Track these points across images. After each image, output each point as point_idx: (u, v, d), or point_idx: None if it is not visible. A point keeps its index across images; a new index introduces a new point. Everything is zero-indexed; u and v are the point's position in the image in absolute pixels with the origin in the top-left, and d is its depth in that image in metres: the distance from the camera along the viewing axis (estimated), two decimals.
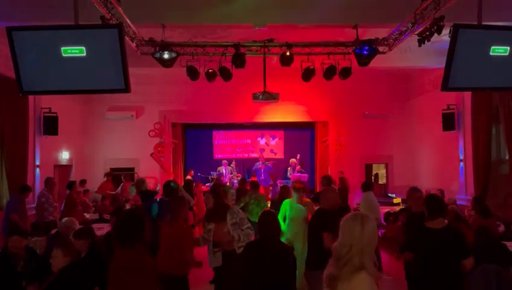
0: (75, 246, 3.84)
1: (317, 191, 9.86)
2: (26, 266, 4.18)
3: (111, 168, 12.23)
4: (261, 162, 13.38)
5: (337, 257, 2.21)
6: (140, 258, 3.12)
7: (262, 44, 7.48)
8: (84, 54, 4.15)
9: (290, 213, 6.06)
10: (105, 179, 11.06)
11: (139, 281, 3.06)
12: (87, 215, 8.88)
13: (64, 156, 11.08)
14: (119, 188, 10.68)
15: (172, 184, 6.36)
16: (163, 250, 4.32)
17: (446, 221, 4.03)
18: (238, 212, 4.91)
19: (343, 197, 9.63)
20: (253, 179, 10.52)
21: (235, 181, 13.13)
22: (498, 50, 4.43)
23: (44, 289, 3.48)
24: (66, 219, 5.73)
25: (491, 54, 4.43)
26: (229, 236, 4.68)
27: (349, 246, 2.17)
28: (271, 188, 12.99)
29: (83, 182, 10.30)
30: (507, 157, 8.34)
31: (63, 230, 5.23)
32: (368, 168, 13.20)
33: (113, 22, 5.22)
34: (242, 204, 7.28)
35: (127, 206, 8.71)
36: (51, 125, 9.70)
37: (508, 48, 4.45)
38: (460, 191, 9.67)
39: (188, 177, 12.11)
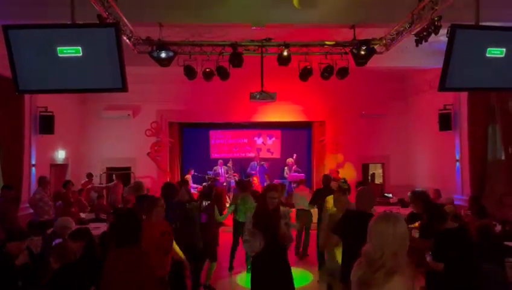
0: (71, 247, 3.81)
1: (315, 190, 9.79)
2: (23, 265, 4.15)
3: (107, 168, 12.20)
4: (256, 162, 13.38)
5: (370, 261, 2.11)
6: (143, 257, 3.10)
7: (260, 43, 7.47)
8: (80, 54, 4.14)
9: None
10: (87, 179, 10.99)
11: (140, 280, 3.03)
12: (83, 215, 8.84)
13: (60, 155, 11.04)
14: (112, 183, 10.65)
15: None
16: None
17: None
18: (289, 212, 4.69)
19: None
20: (254, 178, 10.54)
21: (232, 181, 13.12)
22: (494, 52, 4.45)
23: (42, 289, 3.47)
24: (61, 218, 5.71)
25: (487, 55, 4.45)
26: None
27: (382, 249, 2.08)
28: None
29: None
30: (503, 157, 8.37)
31: (58, 230, 5.21)
32: (365, 167, 13.22)
33: (110, 21, 5.20)
34: (233, 206, 7.30)
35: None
36: (47, 124, 9.66)
37: (504, 49, 4.47)
38: (457, 191, 9.70)
39: (187, 176, 12.11)
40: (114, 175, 11.22)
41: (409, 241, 2.17)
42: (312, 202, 7.64)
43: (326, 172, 12.50)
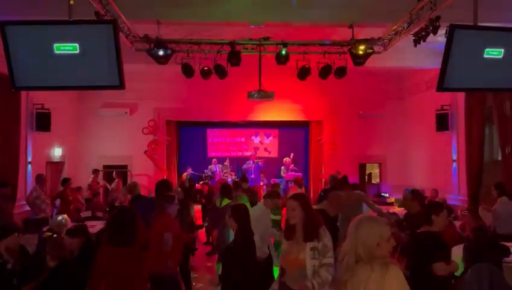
0: (68, 245, 3.79)
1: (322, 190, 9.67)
2: (17, 263, 4.11)
3: (104, 165, 12.14)
4: (251, 161, 13.36)
5: (347, 256, 2.28)
6: (138, 255, 3.09)
7: (258, 42, 7.46)
8: (77, 51, 4.11)
9: None
10: (93, 175, 10.97)
11: (133, 278, 3.02)
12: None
13: (57, 152, 10.98)
14: (114, 184, 10.61)
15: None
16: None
17: None
18: (325, 234, 3.18)
19: None
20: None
21: (229, 179, 13.10)
22: (492, 52, 4.45)
23: (37, 288, 3.44)
24: (58, 216, 5.69)
25: (485, 56, 4.45)
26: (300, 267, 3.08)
27: (355, 247, 2.22)
28: (264, 187, 12.95)
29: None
30: (500, 158, 8.39)
31: (54, 228, 5.18)
32: (362, 167, 13.23)
33: (108, 18, 5.18)
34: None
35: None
36: (43, 122, 9.60)
37: (502, 50, 4.47)
38: (453, 192, 9.72)
39: (185, 174, 12.04)
40: (114, 172, 11.14)
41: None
42: (319, 202, 7.59)
43: (324, 172, 12.55)
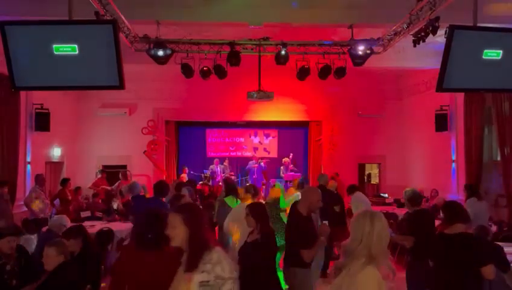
0: (67, 246, 3.78)
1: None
2: (16, 264, 4.11)
3: (103, 166, 12.13)
4: (254, 161, 13.36)
5: (347, 252, 2.34)
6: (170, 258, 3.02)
7: (258, 42, 7.46)
8: (76, 52, 4.12)
9: None
10: (100, 176, 10.95)
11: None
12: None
13: (56, 152, 10.97)
14: (115, 185, 10.59)
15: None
16: None
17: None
18: (218, 259, 2.24)
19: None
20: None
21: None
22: (490, 54, 4.46)
23: (36, 288, 3.44)
24: (57, 216, 5.69)
25: (483, 57, 4.46)
26: None
27: (359, 241, 2.27)
28: (264, 187, 12.95)
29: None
30: (499, 158, 8.41)
31: (54, 228, 5.18)
32: (361, 167, 13.24)
33: (108, 18, 5.19)
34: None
35: (116, 203, 8.70)
36: (42, 122, 9.59)
37: (501, 51, 4.49)
38: (452, 192, 9.73)
39: (183, 175, 12.02)
40: (121, 174, 11.06)
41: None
42: None
43: (323, 172, 12.53)
